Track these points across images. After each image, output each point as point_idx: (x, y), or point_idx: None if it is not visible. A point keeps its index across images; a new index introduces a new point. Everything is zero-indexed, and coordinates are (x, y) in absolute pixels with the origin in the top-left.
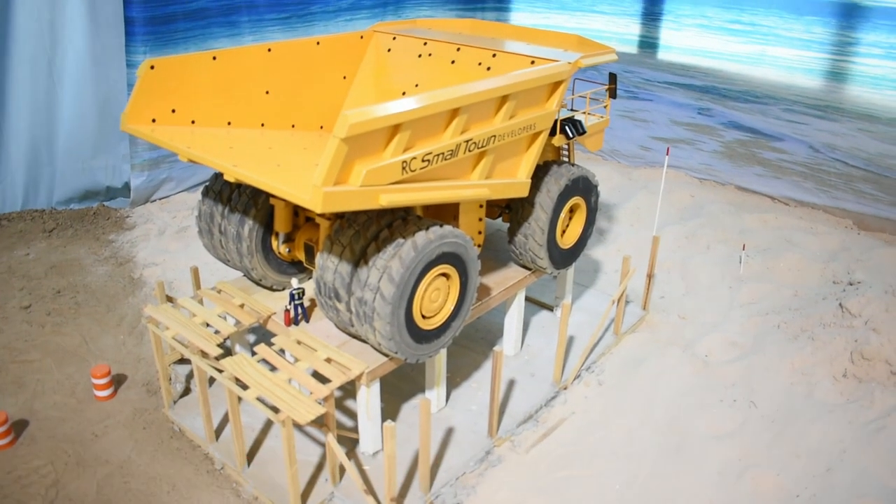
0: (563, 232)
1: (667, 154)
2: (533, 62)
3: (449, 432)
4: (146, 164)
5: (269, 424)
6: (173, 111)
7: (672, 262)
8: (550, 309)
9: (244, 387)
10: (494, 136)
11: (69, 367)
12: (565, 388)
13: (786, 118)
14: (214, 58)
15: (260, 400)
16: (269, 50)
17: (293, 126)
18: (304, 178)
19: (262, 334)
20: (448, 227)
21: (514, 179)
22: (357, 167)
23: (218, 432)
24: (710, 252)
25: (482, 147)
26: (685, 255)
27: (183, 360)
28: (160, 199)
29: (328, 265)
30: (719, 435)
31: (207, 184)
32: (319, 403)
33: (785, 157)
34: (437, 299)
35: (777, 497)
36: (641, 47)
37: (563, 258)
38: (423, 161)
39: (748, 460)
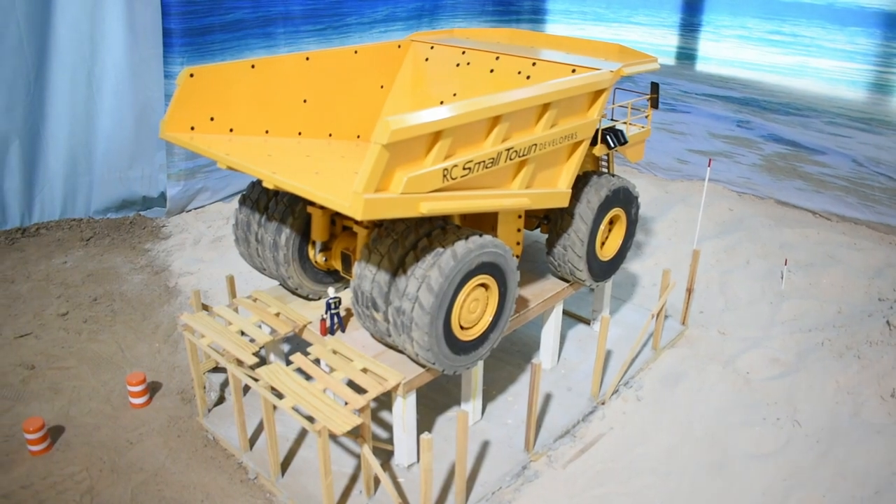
0: (603, 244)
1: (708, 166)
2: (574, 71)
3: (485, 446)
4: (182, 174)
5: (303, 434)
6: (212, 119)
7: (711, 276)
8: (587, 322)
9: (279, 396)
10: (536, 144)
11: (105, 374)
12: (603, 403)
13: (828, 131)
14: (253, 66)
15: (295, 409)
16: (308, 59)
17: (330, 135)
18: (344, 186)
19: (297, 343)
20: (488, 237)
21: (554, 189)
22: (398, 174)
23: (252, 441)
24: (750, 267)
25: (523, 156)
26: (724, 269)
27: (217, 369)
28: (195, 208)
29: (366, 274)
30: (762, 454)
31: (244, 192)
32: (355, 414)
33: (827, 171)
34: (475, 310)
35: None
36: (679, 59)
37: (602, 271)
38: (464, 169)
39: (793, 481)
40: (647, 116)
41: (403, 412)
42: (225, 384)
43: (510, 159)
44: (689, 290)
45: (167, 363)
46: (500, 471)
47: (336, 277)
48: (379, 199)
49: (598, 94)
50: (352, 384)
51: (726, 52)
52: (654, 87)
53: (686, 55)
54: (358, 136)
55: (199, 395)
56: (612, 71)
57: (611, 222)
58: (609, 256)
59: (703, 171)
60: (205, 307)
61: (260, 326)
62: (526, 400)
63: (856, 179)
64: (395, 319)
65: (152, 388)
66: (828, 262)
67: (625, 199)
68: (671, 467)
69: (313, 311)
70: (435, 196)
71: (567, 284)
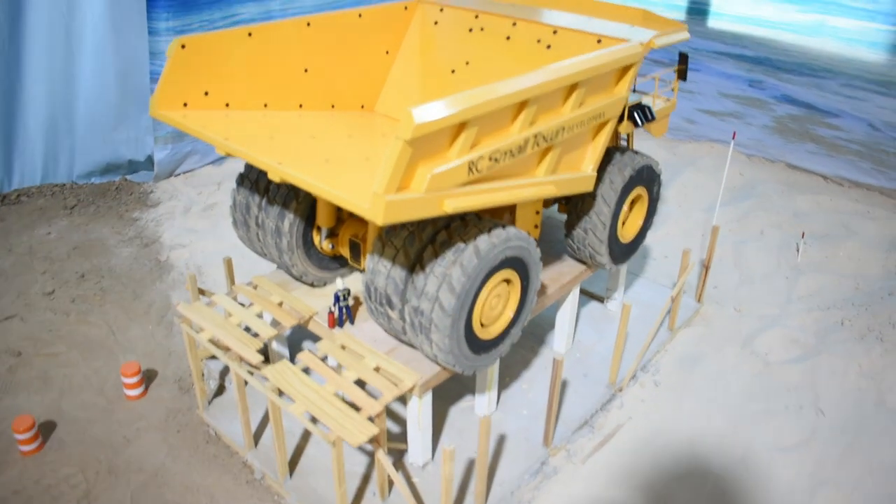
0: (623, 224)
1: (733, 138)
2: (600, 41)
3: (501, 440)
4: (170, 136)
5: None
6: (206, 94)
7: (725, 247)
8: (601, 300)
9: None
10: (563, 127)
11: (96, 360)
12: (620, 391)
13: (844, 93)
14: (250, 34)
15: (310, 417)
16: (308, 24)
17: (333, 106)
18: (358, 178)
19: (301, 332)
20: (512, 230)
21: (579, 173)
22: (420, 171)
23: (256, 437)
24: (765, 238)
25: (550, 141)
26: (738, 240)
27: (216, 356)
28: (184, 172)
29: (379, 269)
30: (786, 447)
31: (242, 172)
32: (371, 421)
33: (841, 135)
34: (496, 306)
35: None
36: (690, 14)
37: (622, 253)
38: (490, 160)
39: (819, 476)
40: (673, 89)
41: (419, 412)
42: (225, 372)
43: (537, 145)
44: (707, 268)
45: (162, 348)
46: (518, 467)
47: (341, 262)
48: (402, 201)
49: (627, 68)
50: (360, 381)
51: (740, 7)
52: (684, 57)
53: (697, 10)
54: (362, 107)
55: (199, 386)
56: (642, 43)
57: (632, 202)
58: (630, 238)
59: (711, 132)
60: (201, 292)
61: (262, 317)
62: (541, 387)
63: (871, 144)
64: (413, 319)
65: (148, 377)
66: (843, 232)
67: (648, 177)
68: (694, 461)
69: (318, 300)
70: (459, 191)
71: (585, 267)
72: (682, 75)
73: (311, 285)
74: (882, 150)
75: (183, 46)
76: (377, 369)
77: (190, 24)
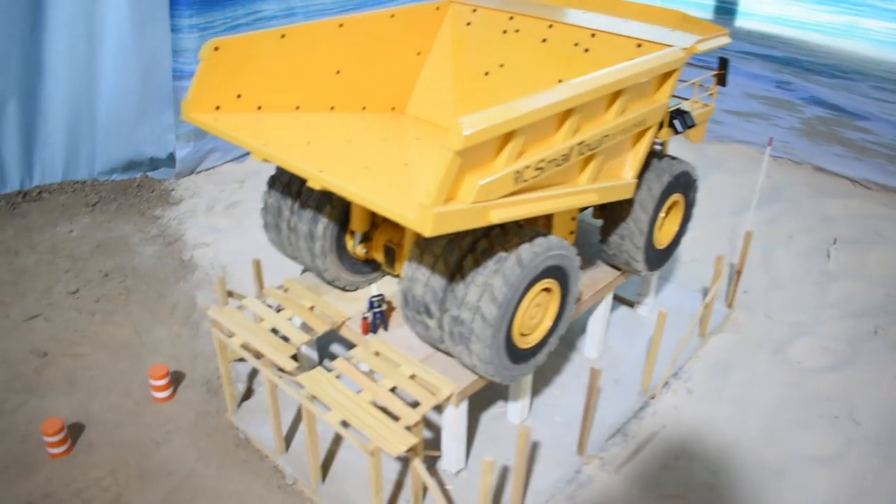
0: (659, 230)
1: (769, 145)
2: (640, 45)
3: (534, 448)
4: (192, 134)
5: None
6: (239, 96)
7: (754, 252)
8: (631, 305)
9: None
10: (607, 135)
11: (123, 362)
12: (653, 398)
13: (874, 96)
14: (283, 35)
15: (343, 424)
16: (341, 25)
17: (364, 108)
18: (402, 188)
19: (329, 334)
20: (554, 238)
21: (620, 181)
22: (468, 181)
23: (287, 440)
24: (794, 242)
25: (594, 148)
26: (767, 244)
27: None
28: (205, 170)
29: (418, 277)
30: (823, 458)
31: (273, 174)
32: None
33: (869, 138)
34: (536, 315)
35: None
36: (717, 13)
37: (658, 259)
38: (535, 169)
39: (857, 489)
40: (711, 94)
41: (455, 421)
42: (253, 375)
43: (581, 154)
44: (739, 273)
45: (188, 350)
46: (552, 476)
47: (373, 266)
48: (449, 212)
49: (669, 74)
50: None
51: (769, 8)
52: (724, 62)
53: (725, 9)
54: (393, 108)
55: (228, 391)
56: (684, 49)
57: (669, 208)
58: (665, 244)
59: (738, 133)
60: (229, 294)
61: (291, 320)
62: (573, 393)
63: None
64: (452, 329)
65: (175, 379)
66: (873, 238)
67: (685, 183)
68: (729, 472)
69: (349, 305)
70: (504, 201)
71: (619, 273)
72: (721, 80)
73: (343, 289)
74: None
75: (216, 48)
76: (413, 377)
77: (213, 20)
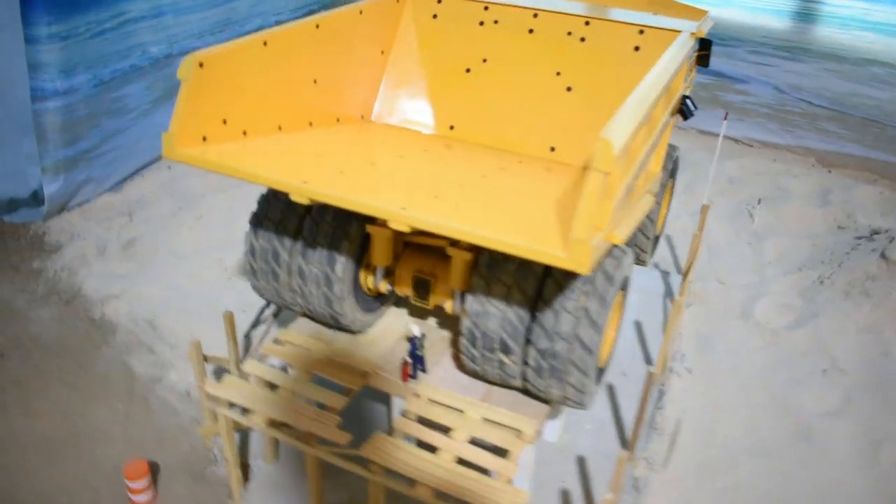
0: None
1: (724, 119)
2: (642, 32)
3: (580, 462)
4: (61, 164)
5: None
6: (224, 122)
7: (684, 222)
8: None
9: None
10: (660, 129)
11: (66, 464)
12: (663, 385)
13: (751, 60)
14: (265, 43)
15: (441, 496)
16: (317, 26)
17: (338, 120)
18: (513, 221)
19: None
20: (623, 246)
21: (656, 175)
22: (606, 203)
23: None
24: (714, 207)
25: (655, 144)
26: (691, 212)
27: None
28: (77, 205)
29: (490, 311)
30: (830, 411)
31: (257, 211)
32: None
33: (749, 100)
34: (609, 330)
35: None
36: None
37: (654, 246)
38: (633, 177)
39: (874, 434)
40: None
41: (530, 461)
42: (244, 443)
43: (650, 153)
44: (696, 246)
45: (145, 430)
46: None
47: (382, 302)
48: (600, 244)
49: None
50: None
51: None
52: (707, 43)
53: None
54: (362, 117)
55: (235, 474)
56: (692, 33)
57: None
58: (660, 229)
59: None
60: (205, 358)
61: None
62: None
63: (777, 106)
64: (541, 363)
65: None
66: (779, 193)
67: (674, 168)
68: (761, 445)
69: (365, 349)
70: (619, 218)
71: None
72: (704, 61)
73: (349, 331)
74: (787, 112)
75: (201, 65)
76: (486, 420)
77: (76, 27)
